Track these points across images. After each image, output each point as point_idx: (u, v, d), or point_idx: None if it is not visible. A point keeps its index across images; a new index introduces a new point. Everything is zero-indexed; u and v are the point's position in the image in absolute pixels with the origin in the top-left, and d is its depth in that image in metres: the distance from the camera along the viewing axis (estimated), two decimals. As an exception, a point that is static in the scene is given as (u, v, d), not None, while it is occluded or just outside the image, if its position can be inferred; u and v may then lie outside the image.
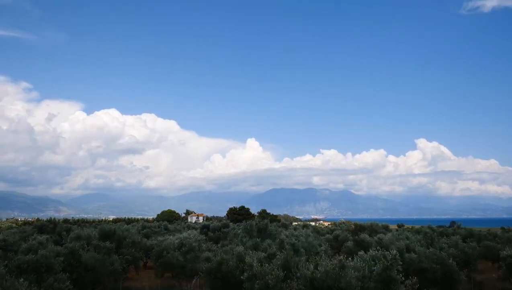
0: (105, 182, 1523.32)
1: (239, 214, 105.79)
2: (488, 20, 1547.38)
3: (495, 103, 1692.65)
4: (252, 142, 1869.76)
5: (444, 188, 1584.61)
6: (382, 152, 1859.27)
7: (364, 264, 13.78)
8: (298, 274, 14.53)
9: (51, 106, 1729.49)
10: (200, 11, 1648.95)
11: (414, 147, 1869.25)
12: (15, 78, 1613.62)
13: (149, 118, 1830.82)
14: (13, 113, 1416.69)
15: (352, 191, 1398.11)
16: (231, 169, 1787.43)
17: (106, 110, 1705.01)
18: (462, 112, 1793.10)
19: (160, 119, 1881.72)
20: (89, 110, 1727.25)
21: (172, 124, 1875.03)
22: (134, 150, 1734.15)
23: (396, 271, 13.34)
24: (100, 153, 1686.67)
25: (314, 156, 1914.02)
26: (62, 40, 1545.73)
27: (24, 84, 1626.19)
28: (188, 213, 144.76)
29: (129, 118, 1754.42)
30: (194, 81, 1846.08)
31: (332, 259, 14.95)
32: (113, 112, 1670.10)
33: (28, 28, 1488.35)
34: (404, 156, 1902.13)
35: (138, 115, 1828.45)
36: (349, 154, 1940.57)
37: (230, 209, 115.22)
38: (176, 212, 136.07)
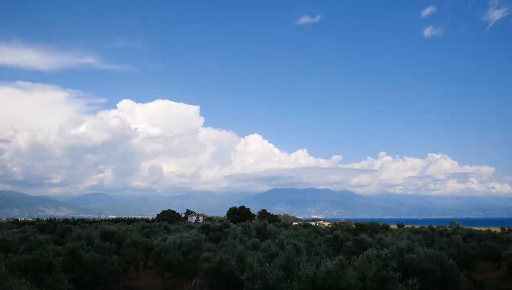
0: (106, 182, 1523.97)
1: (239, 214, 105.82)
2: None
3: (495, 105, 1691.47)
4: (255, 139, 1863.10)
5: (444, 188, 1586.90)
6: (382, 152, 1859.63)
7: (363, 264, 13.80)
8: (299, 274, 14.51)
9: (100, 115, 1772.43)
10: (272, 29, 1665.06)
11: (414, 148, 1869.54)
12: (97, 94, 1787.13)
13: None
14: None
15: (352, 191, 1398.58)
16: (230, 169, 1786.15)
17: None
18: (462, 113, 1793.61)
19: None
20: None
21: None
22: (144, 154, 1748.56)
23: (392, 269, 13.31)
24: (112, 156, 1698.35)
25: (316, 157, 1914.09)
26: (163, 69, 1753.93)
27: (102, 100, 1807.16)
28: (188, 212, 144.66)
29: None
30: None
31: (332, 259, 14.94)
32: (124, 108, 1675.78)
33: (135, 63, 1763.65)
34: (405, 156, 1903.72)
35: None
36: (349, 155, 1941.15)
37: (231, 209, 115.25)
38: (176, 212, 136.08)
